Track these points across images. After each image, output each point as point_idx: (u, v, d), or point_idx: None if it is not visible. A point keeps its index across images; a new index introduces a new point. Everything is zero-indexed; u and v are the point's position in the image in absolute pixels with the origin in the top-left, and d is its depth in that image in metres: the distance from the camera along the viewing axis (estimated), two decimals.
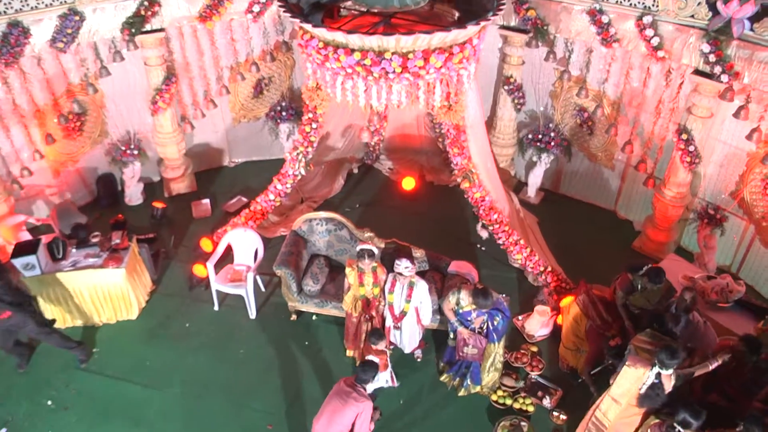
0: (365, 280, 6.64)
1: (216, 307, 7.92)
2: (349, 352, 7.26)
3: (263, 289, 8.17)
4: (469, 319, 6.40)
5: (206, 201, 9.64)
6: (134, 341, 7.53)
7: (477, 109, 7.35)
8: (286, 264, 7.24)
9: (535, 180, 9.73)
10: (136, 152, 9.23)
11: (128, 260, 7.53)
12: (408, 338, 6.96)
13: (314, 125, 7.58)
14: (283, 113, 9.62)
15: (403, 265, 6.39)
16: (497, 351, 6.65)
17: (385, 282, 6.71)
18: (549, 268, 7.98)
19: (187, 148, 9.77)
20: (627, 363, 5.39)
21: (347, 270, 6.70)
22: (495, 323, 6.39)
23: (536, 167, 9.59)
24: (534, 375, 7.10)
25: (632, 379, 5.36)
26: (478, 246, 8.89)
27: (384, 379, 6.80)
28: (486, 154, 7.79)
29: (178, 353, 7.38)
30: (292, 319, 7.77)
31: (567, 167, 9.77)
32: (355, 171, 10.31)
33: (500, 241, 7.85)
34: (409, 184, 9.89)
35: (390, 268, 6.71)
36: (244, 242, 7.90)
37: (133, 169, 9.37)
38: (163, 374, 7.14)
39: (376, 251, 6.64)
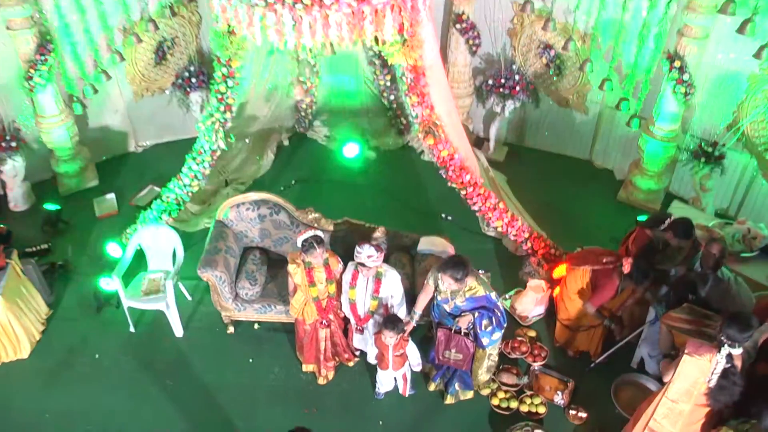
0: (316, 277, 5.03)
1: (132, 329, 6.14)
2: (307, 367, 5.66)
3: (189, 297, 6.42)
4: (447, 310, 4.89)
5: (111, 196, 7.76)
6: (27, 388, 5.66)
7: (434, 45, 5.76)
8: (212, 264, 5.52)
9: (497, 133, 8.26)
10: (13, 144, 7.19)
11: (6, 283, 5.66)
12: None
13: (230, 83, 5.79)
14: (193, 80, 7.72)
15: (365, 254, 4.77)
16: (491, 353, 5.18)
17: (342, 273, 5.13)
18: (534, 234, 6.55)
19: (82, 135, 7.81)
20: (686, 351, 3.97)
21: (291, 268, 5.06)
22: (484, 328, 4.83)
23: (498, 119, 8.12)
24: (537, 366, 5.68)
25: (697, 372, 3.96)
26: (443, 216, 7.39)
27: (390, 380, 5.32)
28: (449, 102, 6.21)
29: (88, 397, 5.58)
30: (229, 332, 6.07)
31: (532, 116, 8.33)
32: (286, 143, 8.56)
33: (476, 207, 6.33)
34: (351, 151, 8.24)
35: (343, 255, 5.14)
36: (157, 242, 6.12)
37: (14, 166, 7.33)
38: (68, 428, 5.35)
39: (324, 237, 5.02)
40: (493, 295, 4.83)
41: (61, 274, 6.73)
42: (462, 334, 4.88)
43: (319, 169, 8.20)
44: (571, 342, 5.76)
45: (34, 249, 6.93)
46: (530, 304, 6.08)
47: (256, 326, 6.11)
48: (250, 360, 5.84)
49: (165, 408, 5.47)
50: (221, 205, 5.93)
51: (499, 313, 4.82)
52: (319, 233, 4.97)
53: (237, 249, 5.93)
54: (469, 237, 7.03)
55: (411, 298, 5.32)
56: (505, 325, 4.91)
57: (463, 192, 6.19)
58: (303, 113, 8.39)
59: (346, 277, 5.06)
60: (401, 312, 5.14)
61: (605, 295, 5.27)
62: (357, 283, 5.02)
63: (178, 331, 6.07)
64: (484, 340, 4.89)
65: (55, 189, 7.90)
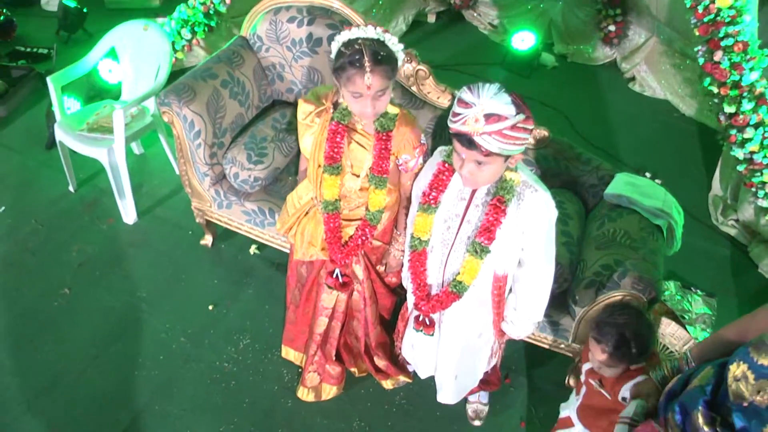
0: (350, 152, 1.89)
1: (71, 188, 3.41)
2: (286, 351, 2.58)
3: (177, 168, 3.56)
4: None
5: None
6: None
7: None
8: (185, 94, 2.54)
9: None
10: None
11: None
12: (456, 363, 2.07)
13: None
14: None
15: (479, 109, 1.46)
16: None
17: (418, 173, 1.94)
18: None
19: None
20: None
21: (301, 113, 1.94)
22: None
23: None
24: None
25: None
26: (646, 175, 3.86)
27: None
28: None
29: None
30: (203, 242, 3.13)
31: None
32: (432, 19, 5.39)
33: (743, 154, 2.84)
34: (522, 42, 4.76)
35: (439, 137, 1.98)
36: (140, 53, 3.28)
37: None
38: None
39: (399, 53, 1.77)
40: None
41: (33, 87, 4.17)
42: None
43: (464, 61, 4.94)
44: None
45: (27, 49, 4.57)
46: None
47: (253, 250, 3.11)
48: (210, 307, 2.84)
49: (28, 357, 2.64)
50: (250, 11, 2.90)
51: None
52: (393, 44, 1.77)
53: (255, 91, 2.88)
54: (685, 224, 3.55)
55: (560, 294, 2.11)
56: None
57: (725, 125, 2.70)
58: None
59: (421, 183, 1.87)
60: (538, 305, 1.88)
61: None
62: (444, 199, 1.80)
63: (129, 214, 3.22)
64: None
65: None
